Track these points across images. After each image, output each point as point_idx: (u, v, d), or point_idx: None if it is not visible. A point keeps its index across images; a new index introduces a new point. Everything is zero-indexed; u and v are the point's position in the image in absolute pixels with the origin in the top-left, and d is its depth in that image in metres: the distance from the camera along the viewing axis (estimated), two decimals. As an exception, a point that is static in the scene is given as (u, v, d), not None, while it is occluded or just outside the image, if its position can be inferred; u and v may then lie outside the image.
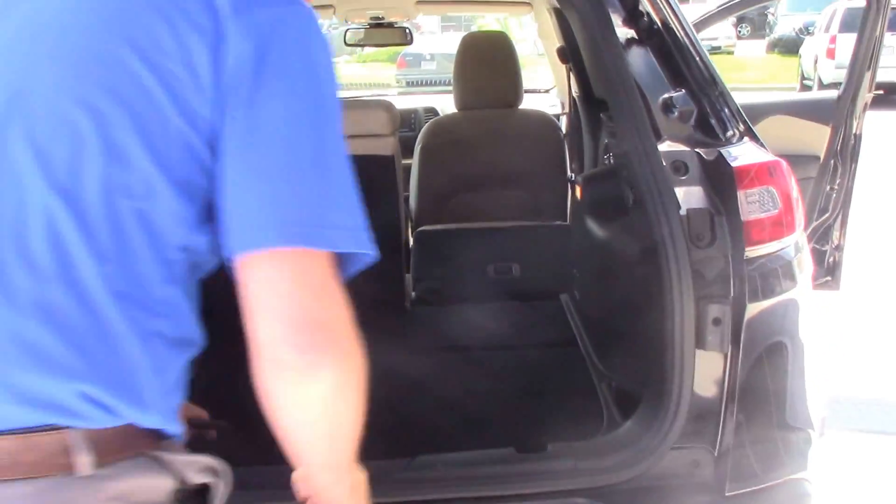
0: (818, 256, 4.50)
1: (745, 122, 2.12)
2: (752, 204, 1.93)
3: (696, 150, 2.00)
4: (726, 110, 2.09)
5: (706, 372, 1.91)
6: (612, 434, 2.06)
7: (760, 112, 4.54)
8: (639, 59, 2.15)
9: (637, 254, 2.11)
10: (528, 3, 4.02)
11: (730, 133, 2.05)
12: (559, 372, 2.50)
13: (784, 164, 2.02)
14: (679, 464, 1.93)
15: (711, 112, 2.07)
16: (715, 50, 24.43)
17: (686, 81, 2.09)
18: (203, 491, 1.13)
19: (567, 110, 4.09)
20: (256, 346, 1.03)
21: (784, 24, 23.94)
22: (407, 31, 4.81)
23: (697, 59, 2.12)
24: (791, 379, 2.00)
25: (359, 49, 10.94)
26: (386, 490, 1.62)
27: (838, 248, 4.51)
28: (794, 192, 2.02)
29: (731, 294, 1.90)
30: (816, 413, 2.08)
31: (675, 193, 1.93)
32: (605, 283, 2.58)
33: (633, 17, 2.19)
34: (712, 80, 2.11)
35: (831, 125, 4.29)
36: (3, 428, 0.99)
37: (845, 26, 14.53)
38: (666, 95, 2.04)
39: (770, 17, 27.19)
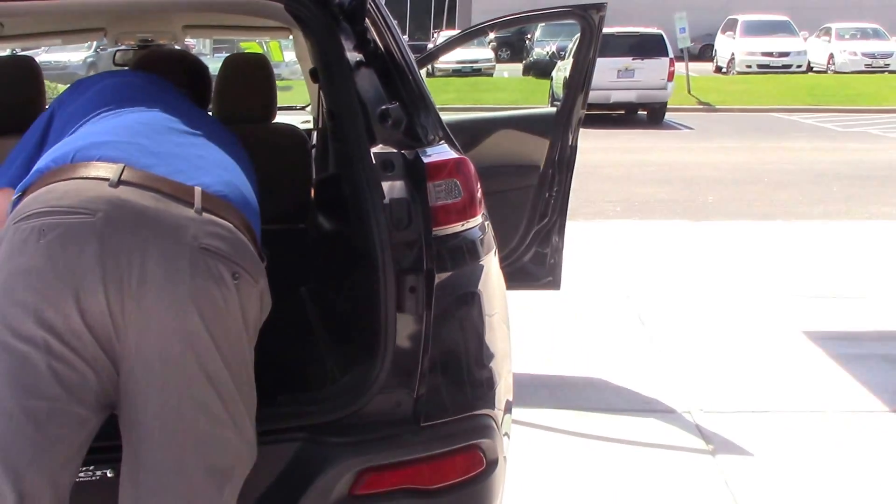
0: (539, 259, 5.07)
1: (444, 129, 2.57)
2: (440, 192, 2.36)
3: (402, 151, 2.42)
4: (430, 119, 2.52)
5: (406, 331, 2.32)
6: (332, 386, 2.47)
7: (489, 126, 5.09)
8: (364, 78, 2.49)
9: (353, 240, 2.51)
10: (288, 29, 4.34)
11: (430, 137, 2.48)
12: (292, 352, 2.84)
13: (469, 161, 2.48)
14: (385, 404, 2.34)
15: (418, 121, 2.47)
16: (476, 72, 25.56)
17: (401, 96, 2.48)
18: None
19: (319, 125, 4.47)
20: None
21: (539, 48, 25.30)
22: None
23: (411, 78, 2.54)
24: (477, 329, 2.44)
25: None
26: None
27: (557, 250, 5.08)
28: (477, 185, 2.48)
29: (424, 267, 2.33)
30: (500, 359, 2.52)
31: (381, 187, 2.33)
32: (333, 270, 2.97)
33: (362, 43, 2.54)
34: (421, 96, 2.54)
35: (549, 139, 4.89)
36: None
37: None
38: (383, 107, 2.40)
39: (527, 43, 28.63)
